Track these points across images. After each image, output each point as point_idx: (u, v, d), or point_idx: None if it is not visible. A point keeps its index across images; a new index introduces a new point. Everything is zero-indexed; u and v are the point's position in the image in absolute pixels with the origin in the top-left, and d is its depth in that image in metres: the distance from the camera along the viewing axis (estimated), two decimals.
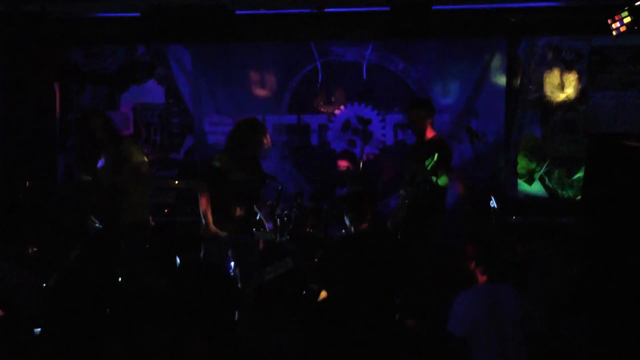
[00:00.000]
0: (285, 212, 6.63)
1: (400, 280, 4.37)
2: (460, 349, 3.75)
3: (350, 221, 4.88)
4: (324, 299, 4.05)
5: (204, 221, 5.54)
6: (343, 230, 6.14)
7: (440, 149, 5.62)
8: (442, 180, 5.59)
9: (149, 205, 5.88)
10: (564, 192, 7.32)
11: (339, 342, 3.70)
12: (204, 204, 5.53)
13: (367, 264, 4.15)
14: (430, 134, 5.80)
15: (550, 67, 7.35)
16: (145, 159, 5.73)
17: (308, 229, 6.51)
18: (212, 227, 5.50)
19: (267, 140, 5.63)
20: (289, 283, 6.31)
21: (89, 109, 7.52)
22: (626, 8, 5.43)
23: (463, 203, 6.49)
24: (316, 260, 6.35)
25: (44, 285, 4.36)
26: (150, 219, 5.83)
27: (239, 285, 6.04)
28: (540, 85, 7.37)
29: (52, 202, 7.03)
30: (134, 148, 5.74)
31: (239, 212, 5.56)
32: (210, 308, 3.92)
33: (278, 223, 6.51)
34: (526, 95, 7.39)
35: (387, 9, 5.46)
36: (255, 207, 5.78)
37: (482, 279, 3.91)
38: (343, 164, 7.01)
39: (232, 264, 5.87)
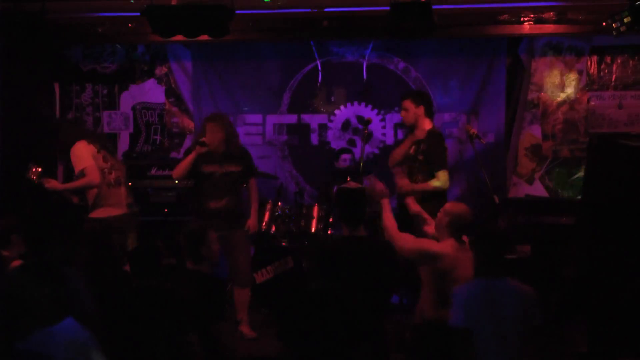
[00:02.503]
0: (286, 211, 6.63)
1: (393, 284, 4.34)
2: (464, 340, 3.72)
3: (342, 222, 4.45)
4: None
5: None
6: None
7: (428, 140, 5.62)
8: (439, 181, 5.53)
9: (119, 203, 5.80)
10: (564, 192, 7.32)
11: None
12: None
13: (359, 269, 4.09)
14: (425, 127, 5.72)
15: (550, 67, 7.35)
16: (88, 164, 5.68)
17: (312, 229, 6.50)
18: None
19: (208, 138, 5.67)
20: (289, 283, 6.32)
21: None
22: (626, 8, 5.41)
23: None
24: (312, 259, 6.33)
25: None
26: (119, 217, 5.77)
27: (227, 284, 6.06)
28: (540, 85, 7.37)
29: (51, 201, 7.02)
30: (77, 154, 5.73)
31: (213, 205, 5.59)
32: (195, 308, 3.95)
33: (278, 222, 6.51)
34: (526, 95, 7.39)
35: (387, 8, 5.44)
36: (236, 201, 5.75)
37: (478, 272, 3.87)
38: (346, 158, 7.01)
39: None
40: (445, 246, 4.36)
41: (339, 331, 3.66)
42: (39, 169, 5.70)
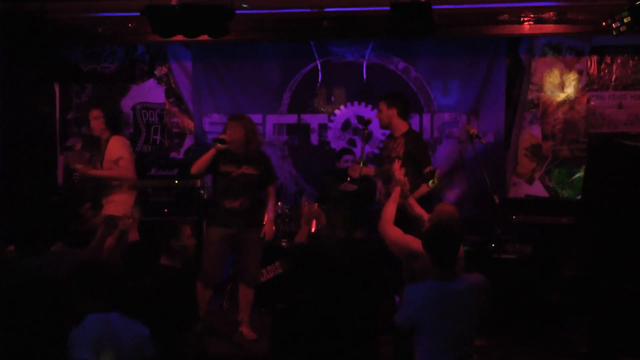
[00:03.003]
0: (286, 211, 6.63)
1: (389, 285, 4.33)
2: (403, 339, 3.71)
3: (343, 223, 4.59)
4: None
5: None
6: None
7: (410, 141, 5.67)
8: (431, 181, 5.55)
9: (127, 202, 5.89)
10: (564, 192, 7.32)
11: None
12: None
13: (356, 271, 4.09)
14: (402, 128, 5.78)
15: (550, 67, 7.35)
16: (126, 156, 5.83)
17: (312, 229, 6.49)
18: None
19: (227, 135, 5.65)
20: (289, 283, 6.32)
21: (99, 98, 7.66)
22: (626, 8, 5.41)
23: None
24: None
25: None
26: (125, 217, 5.78)
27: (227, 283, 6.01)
28: (540, 85, 7.37)
29: (52, 202, 7.03)
30: (118, 144, 5.84)
31: (227, 204, 5.59)
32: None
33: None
34: (526, 95, 7.39)
35: (387, 8, 5.45)
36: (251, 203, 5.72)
37: (433, 273, 3.83)
38: (348, 159, 7.02)
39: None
40: None
41: (337, 332, 3.67)
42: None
